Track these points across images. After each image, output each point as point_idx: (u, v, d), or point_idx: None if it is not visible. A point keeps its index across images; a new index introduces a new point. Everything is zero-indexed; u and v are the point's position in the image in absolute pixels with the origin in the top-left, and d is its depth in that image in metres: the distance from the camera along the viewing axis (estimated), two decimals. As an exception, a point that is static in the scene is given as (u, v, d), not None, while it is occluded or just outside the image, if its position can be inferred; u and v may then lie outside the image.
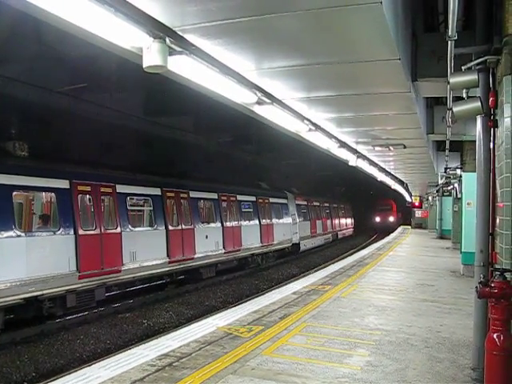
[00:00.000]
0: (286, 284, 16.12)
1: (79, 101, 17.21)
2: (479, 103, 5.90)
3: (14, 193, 12.65)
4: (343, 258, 21.44)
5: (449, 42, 5.54)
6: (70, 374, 6.46)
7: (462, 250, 15.45)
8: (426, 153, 16.68)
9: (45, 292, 12.75)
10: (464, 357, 6.86)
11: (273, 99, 8.36)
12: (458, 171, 19.70)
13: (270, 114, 8.96)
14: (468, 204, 14.90)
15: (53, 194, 13.85)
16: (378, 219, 64.12)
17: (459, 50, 5.98)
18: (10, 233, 12.08)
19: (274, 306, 10.19)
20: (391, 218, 63.98)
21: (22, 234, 12.56)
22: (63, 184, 13.86)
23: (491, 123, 6.13)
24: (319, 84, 8.03)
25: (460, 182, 19.99)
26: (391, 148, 14.39)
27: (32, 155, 13.34)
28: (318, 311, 9.69)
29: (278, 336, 7.78)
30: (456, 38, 5.33)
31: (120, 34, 4.94)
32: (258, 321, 8.78)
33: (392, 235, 40.33)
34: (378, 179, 24.77)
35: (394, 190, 38.80)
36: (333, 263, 20.98)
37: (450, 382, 5.94)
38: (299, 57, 6.56)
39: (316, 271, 16.12)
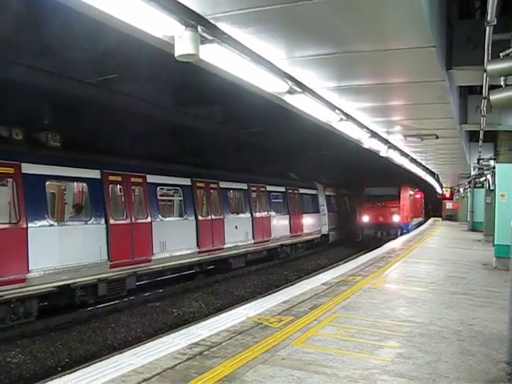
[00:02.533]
0: (316, 275, 16.07)
1: (110, 91, 17.35)
2: (518, 91, 5.75)
3: (47, 183, 12.84)
4: (372, 250, 21.24)
5: (487, 28, 5.40)
6: (102, 360, 6.52)
7: (495, 243, 15.16)
8: (459, 143, 16.39)
9: (77, 280, 12.96)
10: (497, 351, 6.73)
11: (304, 88, 8.29)
12: (492, 162, 19.32)
13: (300, 103, 8.89)
14: (502, 196, 14.63)
15: (84, 184, 14.03)
16: (367, 219, 34.03)
17: (497, 36, 5.84)
18: (44, 222, 12.28)
19: (304, 296, 10.15)
20: (395, 218, 33.59)
21: (55, 224, 12.75)
22: (94, 174, 14.02)
23: (530, 111, 5.98)
24: (351, 73, 7.94)
25: (493, 173, 19.61)
26: (423, 138, 14.19)
27: (64, 146, 13.51)
28: (348, 302, 9.62)
29: (308, 326, 7.75)
30: (495, 23, 5.19)
31: (152, 23, 4.95)
32: (287, 311, 8.76)
33: (422, 227, 39.55)
34: (408, 168, 24.33)
35: (422, 179, 35.93)
36: (362, 254, 20.79)
37: (484, 375, 5.83)
38: (331, 45, 6.48)
39: (345, 262, 16.00)
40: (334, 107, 10.04)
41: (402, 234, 31.85)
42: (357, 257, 18.86)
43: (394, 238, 28.83)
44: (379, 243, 26.26)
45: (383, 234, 32.99)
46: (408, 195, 35.22)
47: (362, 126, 12.37)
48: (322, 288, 11.13)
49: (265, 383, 5.30)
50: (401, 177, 32.50)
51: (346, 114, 10.85)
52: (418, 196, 45.38)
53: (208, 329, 7.49)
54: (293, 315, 8.43)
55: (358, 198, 37.32)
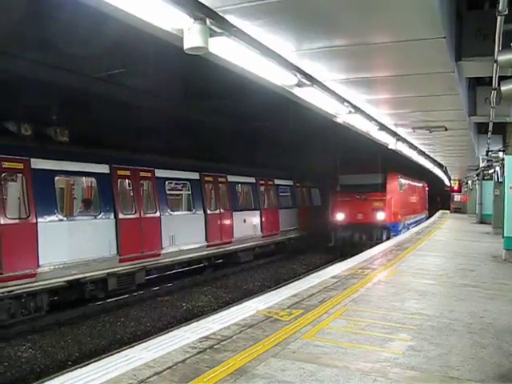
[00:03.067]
0: (325, 268, 16.06)
1: (117, 86, 17.35)
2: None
3: (56, 178, 12.90)
4: (380, 243, 21.18)
5: (498, 18, 5.34)
6: (112, 354, 6.55)
7: (505, 235, 15.08)
8: (467, 135, 16.29)
9: (87, 275, 13.04)
10: (509, 343, 6.70)
11: (313, 81, 8.26)
12: (501, 154, 19.18)
13: (309, 96, 8.85)
14: (511, 188, 14.54)
15: (93, 179, 14.08)
16: (341, 217, 25.54)
17: (508, 26, 5.77)
18: (53, 217, 12.34)
19: (313, 289, 10.14)
20: (379, 215, 25.17)
21: (64, 218, 12.82)
22: (103, 169, 14.07)
23: (541, 102, 5.93)
24: (360, 65, 7.88)
25: (502, 165, 19.47)
26: (432, 130, 14.12)
27: (72, 140, 13.55)
28: (358, 295, 9.60)
29: (318, 320, 7.74)
30: (506, 12, 5.13)
31: (161, 16, 4.93)
32: (297, 304, 8.75)
33: (431, 220, 39.30)
34: (416, 161, 23.98)
35: (430, 172, 33.59)
36: (371, 248, 20.76)
37: (495, 368, 5.80)
38: (340, 37, 6.45)
39: (354, 255, 15.96)
40: (342, 99, 10.00)
41: (388, 238, 23.95)
42: (366, 250, 18.64)
43: (377, 243, 21.60)
44: (359, 249, 19.55)
45: (362, 237, 24.77)
46: (398, 184, 26.79)
47: (370, 118, 12.31)
48: (332, 281, 11.11)
49: (276, 376, 5.30)
50: (389, 160, 23.97)
51: (354, 107, 10.80)
52: (417, 186, 37.69)
53: (218, 322, 7.50)
54: (303, 308, 8.43)
55: (332, 188, 26.99)
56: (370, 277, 11.67)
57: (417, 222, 34.24)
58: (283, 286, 12.55)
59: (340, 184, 26.00)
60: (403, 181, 28.77)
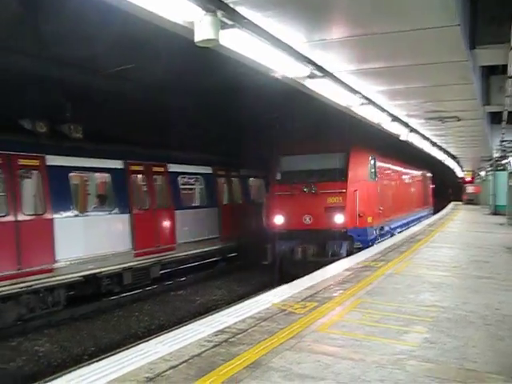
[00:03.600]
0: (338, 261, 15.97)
1: (128, 81, 17.34)
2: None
3: (71, 174, 12.99)
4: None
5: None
6: (128, 349, 6.57)
7: (520, 226, 14.97)
8: (481, 125, 16.12)
9: (103, 270, 13.15)
10: (526, 334, 6.65)
11: (324, 72, 8.20)
12: (515, 144, 19.03)
13: (321, 87, 8.79)
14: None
15: (108, 175, 14.15)
16: (280, 220, 16.58)
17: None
18: (69, 213, 12.43)
19: (327, 282, 10.12)
20: (337, 218, 16.10)
21: (80, 214, 12.90)
22: (117, 164, 14.14)
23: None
24: (372, 55, 7.80)
25: (516, 155, 19.32)
26: (444, 121, 14.00)
27: (86, 137, 13.64)
28: (372, 287, 9.56)
29: (333, 312, 7.72)
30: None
31: (172, 8, 4.90)
32: (311, 297, 8.73)
33: (442, 212, 38.90)
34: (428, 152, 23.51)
35: (441, 163, 30.22)
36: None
37: (513, 359, 5.75)
38: (352, 27, 6.38)
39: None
40: (354, 91, 9.93)
41: (351, 252, 15.88)
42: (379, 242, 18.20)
43: (334, 260, 14.25)
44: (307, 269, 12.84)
45: (310, 251, 16.51)
46: (371, 170, 17.99)
47: (382, 109, 12.23)
48: (346, 274, 11.08)
49: (292, 369, 5.28)
50: (357, 131, 16.27)
51: (366, 98, 10.73)
52: (413, 174, 29.38)
53: (233, 316, 7.50)
54: (317, 301, 8.41)
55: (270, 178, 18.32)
56: (384, 269, 11.62)
57: (412, 222, 26.36)
58: (297, 278, 12.44)
59: (280, 171, 17.31)
60: (383, 165, 19.99)
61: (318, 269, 11.96)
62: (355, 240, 16.38)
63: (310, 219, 16.29)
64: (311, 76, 7.91)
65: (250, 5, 5.40)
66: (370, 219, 17.10)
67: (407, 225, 24.89)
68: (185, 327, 7.19)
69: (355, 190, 16.35)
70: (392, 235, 20.40)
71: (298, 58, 7.26)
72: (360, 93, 10.29)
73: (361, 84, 9.72)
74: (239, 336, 6.46)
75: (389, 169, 21.64)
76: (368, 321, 7.26)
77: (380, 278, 10.56)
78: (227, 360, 5.52)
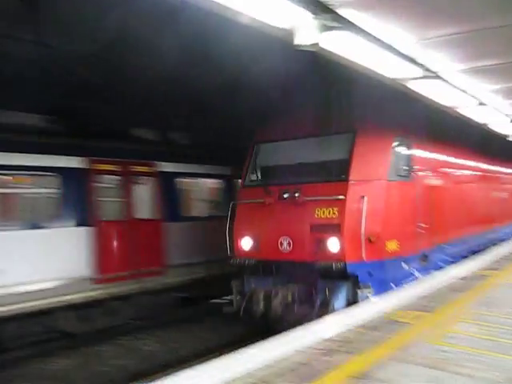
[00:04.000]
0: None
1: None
2: None
3: (183, 180, 14.02)
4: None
5: None
6: (234, 353, 6.61)
7: None
8: None
9: (211, 273, 13.66)
10: None
11: (435, 72, 7.88)
12: None
13: (424, 88, 8.47)
14: None
15: (219, 181, 15.23)
16: (247, 245, 10.51)
17: None
18: (178, 217, 13.42)
19: (439, 290, 9.69)
20: (331, 243, 9.36)
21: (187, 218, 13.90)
22: (227, 171, 14.95)
23: None
24: (485, 52, 7.39)
25: None
26: None
27: (194, 144, 14.41)
28: (485, 297, 9.03)
29: (442, 322, 7.38)
30: None
31: (274, 12, 4.89)
32: (421, 306, 8.41)
33: None
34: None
35: None
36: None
37: None
38: (463, 23, 6.06)
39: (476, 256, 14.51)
40: (464, 91, 9.47)
41: (354, 301, 9.52)
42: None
43: (322, 313, 8.80)
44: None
45: (289, 298, 9.89)
46: (394, 159, 10.47)
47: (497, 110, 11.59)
48: (456, 282, 10.57)
49: (400, 381, 5.08)
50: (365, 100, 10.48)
51: (476, 98, 10.21)
52: (499, 173, 20.55)
53: (339, 324, 7.37)
54: (426, 310, 8.08)
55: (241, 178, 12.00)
56: (498, 278, 10.95)
57: (491, 242, 17.20)
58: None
59: (253, 166, 11.50)
60: (430, 155, 12.62)
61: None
62: (361, 281, 9.65)
63: (288, 244, 10.01)
64: (422, 76, 7.61)
65: (352, 6, 5.24)
66: (392, 245, 10.17)
67: (486, 244, 16.71)
68: (290, 334, 7.08)
69: (362, 197, 9.57)
70: (442, 265, 12.51)
71: (405, 58, 7.03)
72: (468, 92, 9.76)
73: (471, 83, 9.24)
74: (344, 344, 6.33)
75: (445, 162, 13.85)
76: (479, 333, 6.83)
77: (493, 287, 9.96)
78: (331, 368, 5.42)
